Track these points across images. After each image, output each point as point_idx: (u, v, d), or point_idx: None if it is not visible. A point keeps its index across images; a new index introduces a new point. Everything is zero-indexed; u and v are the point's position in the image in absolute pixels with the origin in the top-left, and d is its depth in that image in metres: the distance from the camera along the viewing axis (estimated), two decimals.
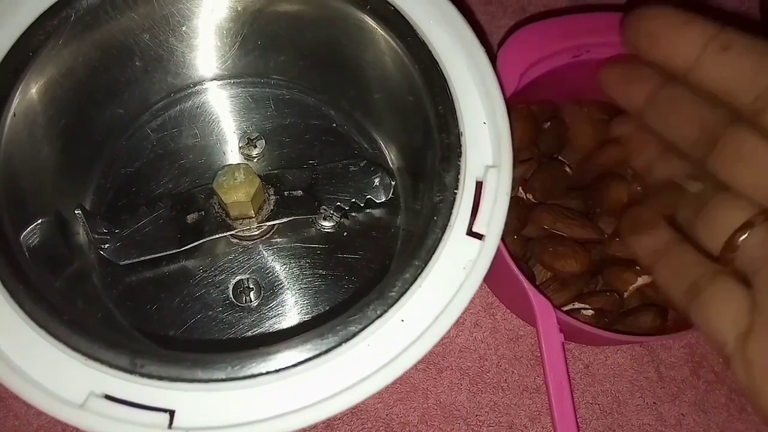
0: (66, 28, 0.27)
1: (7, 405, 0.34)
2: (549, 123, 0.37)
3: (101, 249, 0.30)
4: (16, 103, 0.26)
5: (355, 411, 0.35)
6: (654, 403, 0.36)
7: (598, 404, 0.36)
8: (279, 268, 0.32)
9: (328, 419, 0.26)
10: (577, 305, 0.34)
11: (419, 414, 0.35)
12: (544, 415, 0.36)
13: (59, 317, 0.22)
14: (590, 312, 0.33)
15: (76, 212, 0.29)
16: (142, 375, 0.22)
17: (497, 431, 0.35)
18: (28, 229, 0.27)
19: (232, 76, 0.35)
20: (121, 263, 0.30)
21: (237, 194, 0.29)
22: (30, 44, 0.26)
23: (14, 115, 0.26)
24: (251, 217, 0.31)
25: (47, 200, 0.29)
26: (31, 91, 0.27)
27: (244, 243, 0.32)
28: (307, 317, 0.31)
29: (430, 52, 0.27)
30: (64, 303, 0.24)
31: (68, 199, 0.31)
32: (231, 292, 0.31)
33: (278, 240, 0.33)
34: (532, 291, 0.31)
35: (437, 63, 0.27)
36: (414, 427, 0.35)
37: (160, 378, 0.22)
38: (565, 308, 0.34)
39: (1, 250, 0.23)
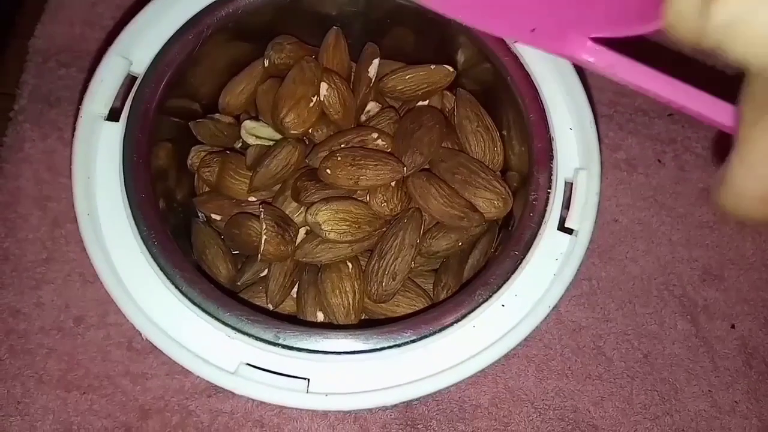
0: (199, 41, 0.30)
1: (114, 383, 0.38)
2: None
3: None
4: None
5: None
6: (709, 390, 0.39)
7: (657, 391, 0.39)
8: None
9: (439, 391, 0.28)
10: None
11: (489, 397, 0.38)
12: (606, 399, 0.38)
13: (211, 297, 0.25)
14: None
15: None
16: (284, 347, 0.25)
17: (562, 414, 0.38)
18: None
19: None
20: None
21: None
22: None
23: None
24: None
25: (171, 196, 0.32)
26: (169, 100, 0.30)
27: None
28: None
29: (522, 65, 0.30)
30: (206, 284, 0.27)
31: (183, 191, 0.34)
32: None
33: None
34: None
35: (529, 74, 0.30)
36: (485, 410, 0.38)
37: (299, 350, 0.25)
38: None
39: (159, 239, 0.26)
